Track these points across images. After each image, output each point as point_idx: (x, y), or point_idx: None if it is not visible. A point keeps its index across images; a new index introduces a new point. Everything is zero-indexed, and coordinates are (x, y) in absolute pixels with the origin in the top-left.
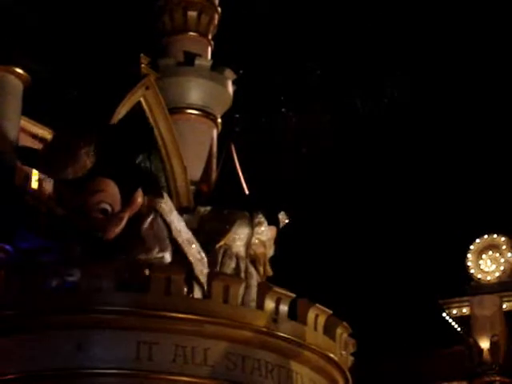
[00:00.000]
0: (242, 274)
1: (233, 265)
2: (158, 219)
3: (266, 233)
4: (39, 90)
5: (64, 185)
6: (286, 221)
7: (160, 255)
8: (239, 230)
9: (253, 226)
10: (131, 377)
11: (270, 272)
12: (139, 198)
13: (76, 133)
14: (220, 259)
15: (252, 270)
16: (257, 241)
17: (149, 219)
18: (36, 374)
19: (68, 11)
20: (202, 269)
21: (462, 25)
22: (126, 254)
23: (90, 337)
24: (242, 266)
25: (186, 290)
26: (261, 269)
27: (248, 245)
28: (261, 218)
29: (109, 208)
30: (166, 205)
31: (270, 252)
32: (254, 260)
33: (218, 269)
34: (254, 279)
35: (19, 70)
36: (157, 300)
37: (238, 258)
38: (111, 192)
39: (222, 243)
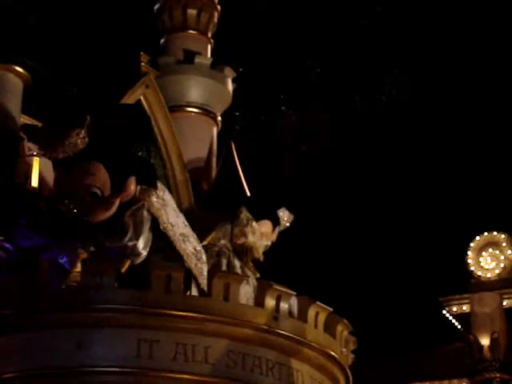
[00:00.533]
0: (224, 267)
1: (212, 261)
2: (143, 210)
3: (243, 221)
4: (39, 88)
5: (56, 165)
6: (291, 217)
7: (131, 243)
8: (221, 227)
9: (233, 219)
10: (132, 375)
11: (260, 258)
12: (132, 186)
13: (70, 113)
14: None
15: (236, 261)
16: (237, 231)
17: (133, 208)
18: (36, 372)
19: (68, 10)
20: (195, 262)
21: (460, 22)
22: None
23: (90, 335)
24: (224, 260)
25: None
26: (246, 258)
27: (231, 238)
28: (241, 209)
29: (98, 192)
30: (158, 197)
31: (261, 243)
32: (238, 251)
33: None
34: (238, 270)
35: (19, 69)
36: (157, 298)
37: (219, 254)
38: (101, 176)
39: (204, 243)
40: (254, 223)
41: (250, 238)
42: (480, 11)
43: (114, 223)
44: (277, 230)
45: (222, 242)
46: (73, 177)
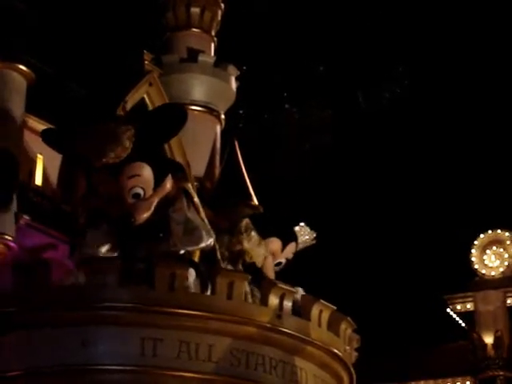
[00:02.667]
0: None
1: None
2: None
3: (240, 229)
4: (42, 86)
5: (102, 170)
6: (312, 233)
7: (209, 241)
8: (220, 237)
9: (235, 232)
10: (136, 373)
11: (255, 262)
12: (168, 184)
13: (119, 118)
14: None
15: (228, 267)
16: (234, 240)
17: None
18: (40, 370)
19: (71, 8)
20: None
21: (463, 20)
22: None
23: (94, 333)
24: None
25: None
26: (237, 264)
27: (228, 246)
28: (244, 219)
29: (141, 192)
30: (193, 188)
31: (258, 251)
32: (233, 258)
33: None
34: None
35: (23, 67)
36: (161, 296)
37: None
38: (146, 177)
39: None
40: (252, 232)
41: (246, 245)
42: (484, 8)
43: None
44: (291, 247)
45: (221, 250)
46: (118, 180)
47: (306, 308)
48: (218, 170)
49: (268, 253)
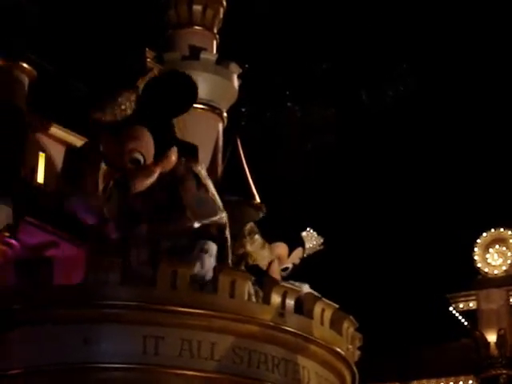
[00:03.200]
0: None
1: None
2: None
3: (244, 233)
4: (44, 83)
5: (102, 130)
6: (319, 239)
7: (223, 215)
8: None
9: (239, 236)
10: (137, 371)
11: (259, 264)
12: (173, 156)
13: (120, 78)
14: None
15: None
16: (237, 243)
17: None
18: (42, 368)
19: (72, 5)
20: None
21: (467, 17)
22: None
23: (96, 331)
24: None
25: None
26: (240, 266)
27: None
28: (249, 224)
29: (141, 158)
30: (202, 169)
31: (262, 254)
32: (236, 261)
33: None
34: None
35: (25, 65)
36: (163, 294)
37: None
38: (146, 142)
39: None
40: (256, 236)
41: (248, 248)
42: (487, 6)
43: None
44: (298, 252)
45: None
46: (117, 141)
47: (309, 306)
48: (220, 169)
49: (274, 256)
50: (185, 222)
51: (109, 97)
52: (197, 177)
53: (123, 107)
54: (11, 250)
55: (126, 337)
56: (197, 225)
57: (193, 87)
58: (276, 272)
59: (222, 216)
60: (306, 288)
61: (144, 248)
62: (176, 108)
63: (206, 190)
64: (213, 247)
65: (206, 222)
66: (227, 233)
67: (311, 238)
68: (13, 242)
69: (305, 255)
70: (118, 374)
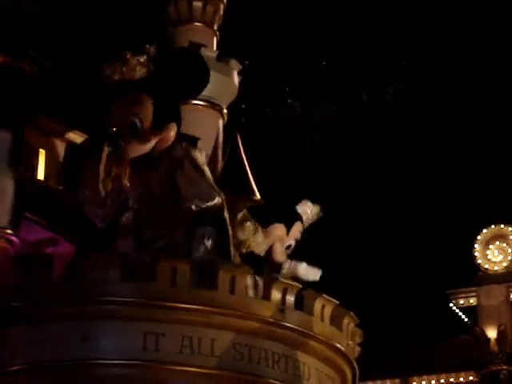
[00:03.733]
0: None
1: None
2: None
3: (236, 221)
4: (44, 81)
5: (109, 90)
6: (315, 208)
7: (220, 199)
8: None
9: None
10: (137, 367)
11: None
12: (171, 132)
13: (131, 42)
14: None
15: None
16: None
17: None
18: (41, 364)
19: (72, 4)
20: None
21: (467, 15)
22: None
23: (95, 328)
24: None
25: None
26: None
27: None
28: (239, 215)
29: (138, 124)
30: (201, 155)
31: (255, 239)
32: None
33: None
34: None
35: (25, 62)
36: (163, 290)
37: None
38: (147, 109)
39: None
40: (247, 223)
41: (240, 236)
42: (488, 4)
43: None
44: (297, 226)
45: None
46: (120, 101)
47: (309, 302)
48: (220, 165)
49: (273, 239)
50: (180, 205)
51: (120, 55)
52: (194, 161)
53: (132, 68)
54: (12, 247)
55: (125, 333)
56: (193, 207)
57: (205, 75)
58: (280, 253)
59: (220, 200)
60: (303, 266)
61: (130, 237)
62: (183, 93)
63: (203, 174)
64: (212, 231)
65: (202, 205)
66: (226, 218)
67: (307, 209)
68: (13, 238)
69: (305, 227)
70: (118, 370)
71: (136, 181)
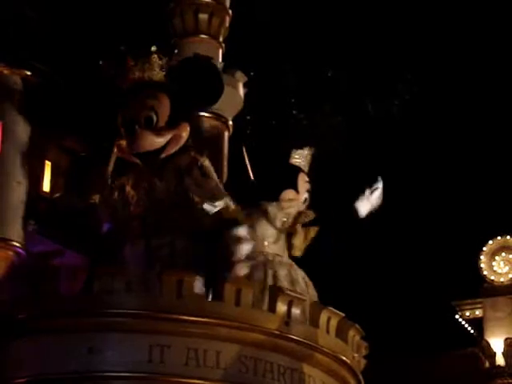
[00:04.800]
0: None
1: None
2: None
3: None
4: (49, 92)
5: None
6: (305, 151)
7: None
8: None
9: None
10: (143, 380)
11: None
12: (184, 132)
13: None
14: None
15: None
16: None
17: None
18: (48, 377)
19: (76, 12)
20: None
21: (472, 27)
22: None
23: (101, 340)
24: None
25: None
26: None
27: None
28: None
29: (154, 118)
30: (209, 163)
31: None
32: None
33: None
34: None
35: (27, 73)
36: (168, 303)
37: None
38: (163, 105)
39: None
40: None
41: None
42: (494, 15)
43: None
44: (301, 178)
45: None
46: (138, 98)
47: (314, 315)
48: (225, 177)
49: (292, 207)
50: (190, 209)
51: (144, 53)
52: (203, 167)
53: (153, 67)
54: (18, 259)
55: (131, 345)
56: (207, 207)
57: (220, 87)
58: (307, 212)
59: (229, 202)
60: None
61: (138, 246)
62: (198, 102)
63: (212, 179)
64: (241, 231)
65: (212, 204)
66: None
67: (300, 157)
68: (19, 249)
69: (307, 173)
70: (124, 382)
71: (141, 189)
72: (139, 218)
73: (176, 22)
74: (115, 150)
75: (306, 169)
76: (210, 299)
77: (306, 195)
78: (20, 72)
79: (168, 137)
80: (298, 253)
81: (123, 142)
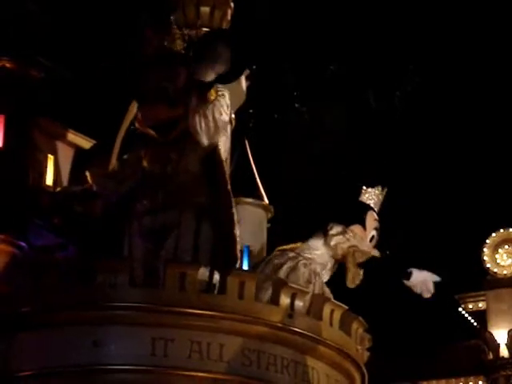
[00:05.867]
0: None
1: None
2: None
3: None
4: (52, 86)
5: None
6: (379, 190)
7: None
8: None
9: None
10: (147, 373)
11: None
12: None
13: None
14: None
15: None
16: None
17: None
18: (52, 370)
19: (81, 10)
20: None
21: (474, 18)
22: None
23: (105, 333)
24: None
25: None
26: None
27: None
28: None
29: (169, 87)
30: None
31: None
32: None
33: None
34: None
35: (34, 69)
36: (172, 296)
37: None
38: (181, 78)
39: None
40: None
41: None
42: (495, 7)
43: None
44: (370, 217)
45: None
46: (155, 69)
47: (318, 307)
48: (228, 170)
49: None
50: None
51: (164, 23)
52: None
53: (173, 40)
54: (20, 252)
55: (135, 339)
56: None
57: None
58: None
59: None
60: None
61: (145, 220)
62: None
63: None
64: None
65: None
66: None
67: (371, 195)
68: (21, 243)
69: (376, 212)
70: (128, 376)
71: (159, 163)
72: (150, 194)
73: (178, 15)
74: (125, 125)
75: (376, 208)
76: (215, 290)
77: (373, 233)
78: (22, 66)
79: (181, 110)
80: (349, 284)
81: (140, 114)
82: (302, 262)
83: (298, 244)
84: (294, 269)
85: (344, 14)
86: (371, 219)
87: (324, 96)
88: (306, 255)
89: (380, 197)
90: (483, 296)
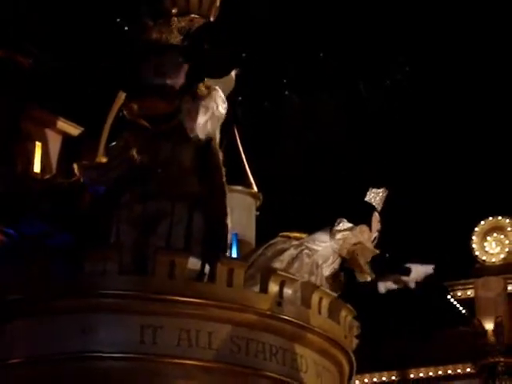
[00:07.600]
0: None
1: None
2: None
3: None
4: (41, 74)
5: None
6: (379, 192)
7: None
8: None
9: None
10: (136, 360)
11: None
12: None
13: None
14: None
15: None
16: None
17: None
18: (41, 357)
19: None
20: None
21: (464, 8)
22: None
23: (94, 321)
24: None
25: None
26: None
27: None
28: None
29: (168, 82)
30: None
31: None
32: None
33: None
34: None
35: (22, 56)
36: (161, 283)
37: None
38: (179, 71)
39: None
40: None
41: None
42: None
43: None
44: (375, 218)
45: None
46: (153, 61)
47: (306, 295)
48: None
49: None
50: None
51: (164, 17)
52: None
53: (171, 32)
54: (9, 240)
55: (124, 326)
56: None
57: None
58: (368, 252)
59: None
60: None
61: (136, 208)
62: (213, 71)
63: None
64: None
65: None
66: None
67: (374, 196)
68: (10, 231)
69: (379, 213)
70: (116, 363)
71: (148, 153)
72: (141, 182)
73: (167, 2)
74: (113, 112)
75: (378, 208)
76: (205, 278)
77: (376, 234)
78: (11, 53)
79: (177, 103)
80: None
81: (133, 105)
82: (305, 251)
83: (303, 234)
84: (297, 257)
85: (334, 2)
86: (376, 221)
87: (314, 85)
88: (310, 245)
89: (383, 199)
90: (472, 284)
